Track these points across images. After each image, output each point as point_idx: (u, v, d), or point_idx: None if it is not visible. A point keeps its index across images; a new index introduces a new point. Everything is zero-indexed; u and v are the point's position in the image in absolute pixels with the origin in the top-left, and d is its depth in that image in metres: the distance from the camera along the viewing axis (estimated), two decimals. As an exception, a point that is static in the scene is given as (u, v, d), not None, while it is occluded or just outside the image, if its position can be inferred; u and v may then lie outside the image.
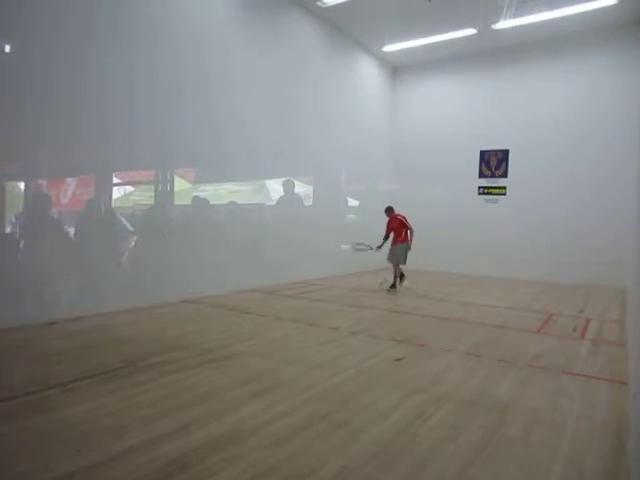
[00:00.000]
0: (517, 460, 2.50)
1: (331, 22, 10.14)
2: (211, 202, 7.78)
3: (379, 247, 8.41)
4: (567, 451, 2.62)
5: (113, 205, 6.48)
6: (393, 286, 8.34)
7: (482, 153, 11.42)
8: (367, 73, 11.91)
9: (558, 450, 2.63)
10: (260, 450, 2.53)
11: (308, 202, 10.03)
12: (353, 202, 11.51)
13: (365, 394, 3.41)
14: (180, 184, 7.31)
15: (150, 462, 2.39)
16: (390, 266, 8.53)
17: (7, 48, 5.09)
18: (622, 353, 4.63)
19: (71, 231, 6.02)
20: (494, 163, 11.30)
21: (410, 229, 8.28)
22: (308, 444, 2.61)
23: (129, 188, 6.82)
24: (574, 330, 5.63)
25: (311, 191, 10.17)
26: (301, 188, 9.89)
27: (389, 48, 11.39)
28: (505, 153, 11.14)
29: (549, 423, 2.97)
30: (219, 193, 8.04)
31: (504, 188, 11.17)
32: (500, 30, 9.93)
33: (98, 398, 3.20)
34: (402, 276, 8.47)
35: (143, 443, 2.58)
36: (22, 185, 5.53)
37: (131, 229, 6.66)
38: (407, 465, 2.42)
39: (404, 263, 8.29)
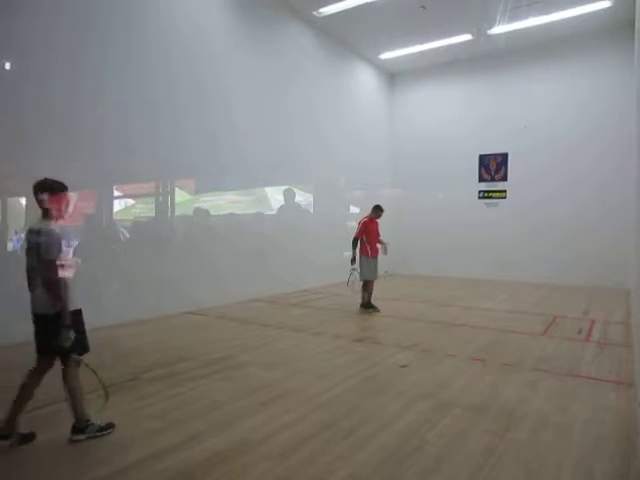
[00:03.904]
0: (526, 464, 2.49)
1: (327, 31, 10.21)
2: (212, 213, 7.80)
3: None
4: (576, 454, 2.61)
5: (114, 218, 6.50)
6: (369, 305, 6.97)
7: (481, 157, 11.45)
8: (365, 81, 11.98)
9: (566, 453, 2.61)
10: (268, 460, 2.52)
11: (309, 210, 10.05)
12: (354, 209, 11.52)
13: (371, 402, 3.40)
14: (180, 196, 7.33)
15: (158, 474, 2.38)
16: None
17: (6, 65, 5.15)
18: (628, 354, 4.61)
19: (72, 244, 6.03)
20: (493, 167, 11.33)
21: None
22: (315, 453, 2.60)
23: (130, 201, 6.86)
24: (579, 332, 5.61)
25: (311, 199, 10.19)
26: (301, 197, 9.91)
27: (386, 56, 11.47)
28: (504, 156, 11.17)
29: (556, 426, 2.95)
30: (219, 204, 8.05)
31: (504, 191, 11.17)
32: (496, 35, 10.00)
33: (104, 412, 3.19)
34: (370, 301, 7.06)
35: (150, 456, 2.57)
36: (23, 200, 5.56)
37: (127, 235, 6.62)
38: (415, 472, 2.41)
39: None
